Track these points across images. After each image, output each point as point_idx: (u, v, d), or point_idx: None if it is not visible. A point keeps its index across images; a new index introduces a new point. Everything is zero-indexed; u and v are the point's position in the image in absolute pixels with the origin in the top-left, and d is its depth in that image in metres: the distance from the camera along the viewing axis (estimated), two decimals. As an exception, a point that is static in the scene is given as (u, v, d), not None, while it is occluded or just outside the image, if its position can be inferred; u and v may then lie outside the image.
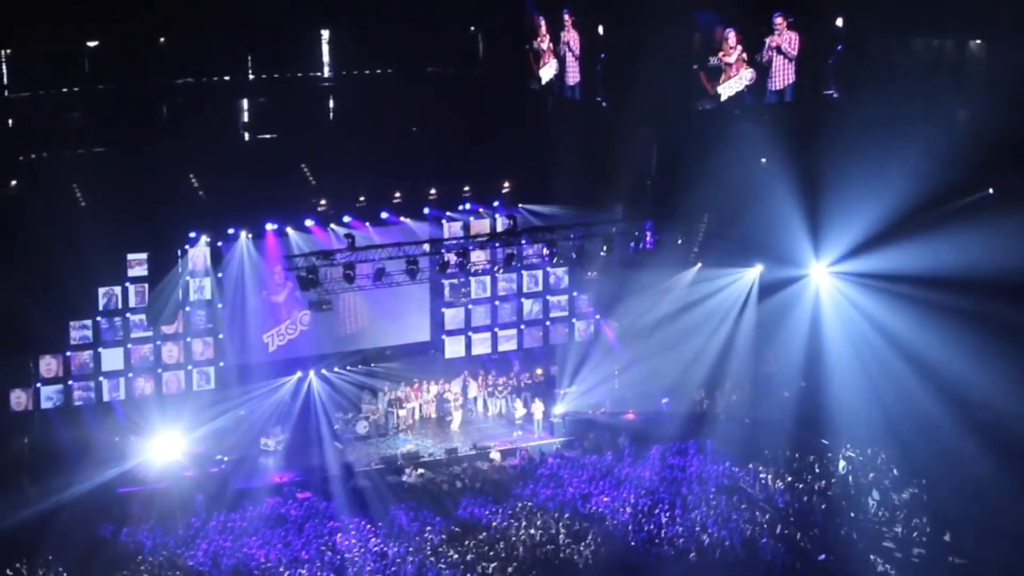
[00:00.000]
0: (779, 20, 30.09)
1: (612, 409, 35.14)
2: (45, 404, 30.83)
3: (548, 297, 35.54)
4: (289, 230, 32.18)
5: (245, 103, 33.84)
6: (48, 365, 30.83)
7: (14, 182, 30.83)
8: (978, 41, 31.27)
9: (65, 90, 31.36)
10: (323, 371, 34.15)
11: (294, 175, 32.91)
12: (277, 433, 33.02)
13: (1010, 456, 27.93)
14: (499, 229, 33.73)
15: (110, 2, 30.63)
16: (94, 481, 29.36)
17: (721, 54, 30.59)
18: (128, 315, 31.37)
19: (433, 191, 33.65)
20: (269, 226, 31.99)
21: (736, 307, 34.54)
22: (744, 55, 30.41)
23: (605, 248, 32.61)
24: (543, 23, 33.45)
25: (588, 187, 32.37)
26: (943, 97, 30.96)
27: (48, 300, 29.54)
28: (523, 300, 35.35)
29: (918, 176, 28.97)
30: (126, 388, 31.56)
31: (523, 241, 32.92)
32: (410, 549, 26.97)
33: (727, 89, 30.69)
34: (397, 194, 33.32)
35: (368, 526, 28.43)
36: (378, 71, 34.83)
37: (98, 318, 31.11)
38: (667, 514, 28.47)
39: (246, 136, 34.00)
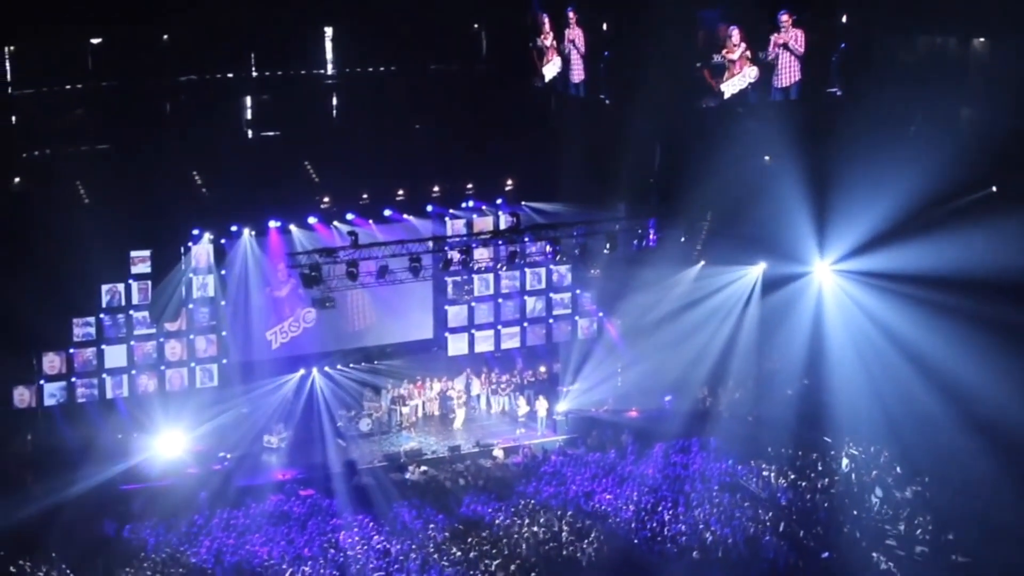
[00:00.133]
0: (785, 17, 30.06)
1: (615, 407, 35.16)
2: (48, 401, 30.83)
3: (551, 295, 35.54)
4: (292, 227, 32.18)
5: (248, 100, 33.79)
6: (51, 362, 30.82)
7: (17, 179, 30.83)
8: (981, 39, 31.22)
9: (68, 87, 31.31)
10: (326, 368, 34.15)
11: (297, 172, 32.91)
12: (280, 430, 33.04)
13: (1013, 456, 27.93)
14: (502, 226, 33.75)
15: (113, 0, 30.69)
16: (97, 478, 29.40)
17: (724, 51, 30.57)
18: (131, 312, 31.38)
19: (436, 188, 33.65)
20: (272, 223, 31.99)
21: (739, 305, 34.54)
22: (748, 53, 30.37)
23: (608, 246, 32.65)
24: (547, 20, 33.44)
25: (591, 184, 32.35)
26: (946, 95, 30.92)
27: (51, 297, 29.55)
28: (526, 298, 35.35)
29: (921, 174, 28.94)
30: (129, 385, 31.56)
31: (526, 239, 32.93)
32: (413, 547, 26.95)
33: (730, 87, 30.66)
34: (400, 191, 33.33)
35: (371, 523, 28.42)
36: (381, 68, 34.80)
37: (101, 315, 31.11)
38: (670, 512, 28.47)
39: (249, 133, 33.96)
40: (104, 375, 31.29)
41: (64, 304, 30.41)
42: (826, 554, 26.73)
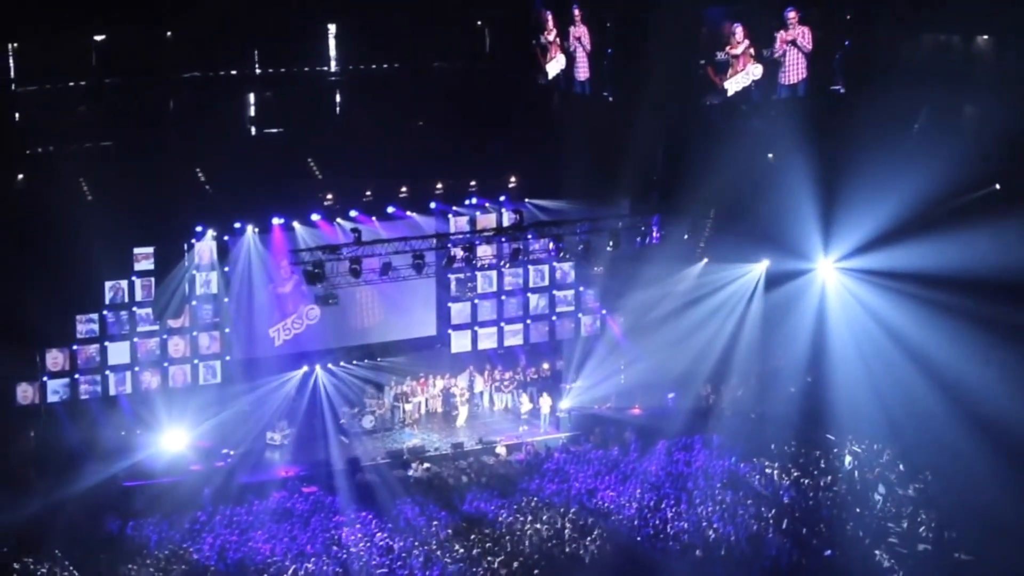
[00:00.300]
0: (792, 14, 30.07)
1: (618, 404, 35.16)
2: (51, 398, 30.86)
3: (554, 292, 35.55)
4: (295, 224, 32.18)
5: (252, 97, 33.79)
6: (55, 359, 30.84)
7: (21, 176, 30.82)
8: (985, 37, 31.19)
9: (72, 84, 31.30)
10: (329, 365, 34.16)
11: (300, 169, 32.89)
12: (283, 427, 33.06)
13: (1016, 454, 27.90)
14: (505, 224, 33.75)
15: (117, -4, 30.76)
16: (100, 475, 29.46)
17: (728, 48, 30.57)
18: (134, 309, 31.40)
19: (439, 186, 33.64)
20: (275, 220, 32.02)
21: (742, 302, 34.56)
22: (751, 50, 30.36)
23: (612, 243, 32.62)
24: (550, 17, 33.40)
25: (594, 182, 32.30)
26: (950, 93, 30.89)
27: (55, 294, 29.52)
28: (529, 295, 35.36)
29: (924, 172, 28.92)
30: (132, 382, 31.59)
31: (529, 236, 32.93)
32: (416, 544, 26.97)
33: (734, 84, 30.64)
34: (403, 188, 33.31)
35: (374, 520, 28.45)
36: (384, 65, 34.77)
37: (104, 312, 31.14)
38: (673, 509, 28.46)
39: (252, 130, 33.95)
40: (107, 372, 31.31)
41: (67, 301, 30.43)
42: (829, 552, 26.72)
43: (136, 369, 31.60)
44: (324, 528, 28.02)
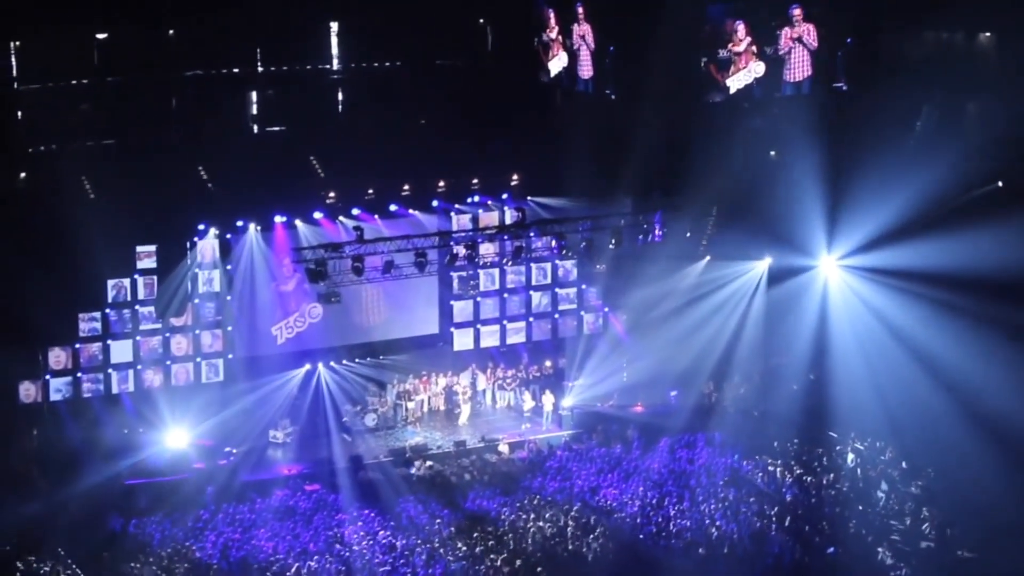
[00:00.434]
0: (797, 11, 30.06)
1: (620, 402, 35.13)
2: (54, 396, 30.88)
3: (557, 290, 35.55)
4: (298, 222, 32.19)
5: (254, 96, 33.83)
6: (57, 357, 30.86)
7: (23, 174, 30.86)
8: (988, 34, 31.17)
9: (74, 83, 31.37)
10: (331, 364, 34.16)
11: (303, 167, 32.93)
12: (286, 425, 33.08)
13: (1018, 452, 27.90)
14: (508, 222, 33.74)
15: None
16: (103, 473, 29.47)
17: (730, 45, 30.56)
18: (137, 307, 31.42)
19: (442, 184, 33.64)
20: (278, 218, 32.03)
21: (744, 300, 34.55)
22: (753, 47, 30.35)
23: (614, 241, 32.63)
24: (552, 15, 33.39)
25: (597, 179, 32.30)
26: (953, 90, 30.87)
27: (57, 292, 29.50)
28: (532, 293, 35.36)
29: (927, 170, 28.90)
30: (135, 380, 31.60)
31: (532, 234, 32.92)
32: (418, 541, 26.96)
33: (736, 82, 30.63)
34: (406, 187, 33.30)
35: (377, 518, 28.42)
36: (387, 63, 34.82)
37: (107, 310, 31.16)
38: (675, 507, 28.43)
39: (255, 128, 34.00)
40: (110, 370, 31.32)
41: (70, 299, 30.44)
42: (831, 549, 26.70)
43: (139, 367, 31.62)
44: (327, 526, 28.01)
